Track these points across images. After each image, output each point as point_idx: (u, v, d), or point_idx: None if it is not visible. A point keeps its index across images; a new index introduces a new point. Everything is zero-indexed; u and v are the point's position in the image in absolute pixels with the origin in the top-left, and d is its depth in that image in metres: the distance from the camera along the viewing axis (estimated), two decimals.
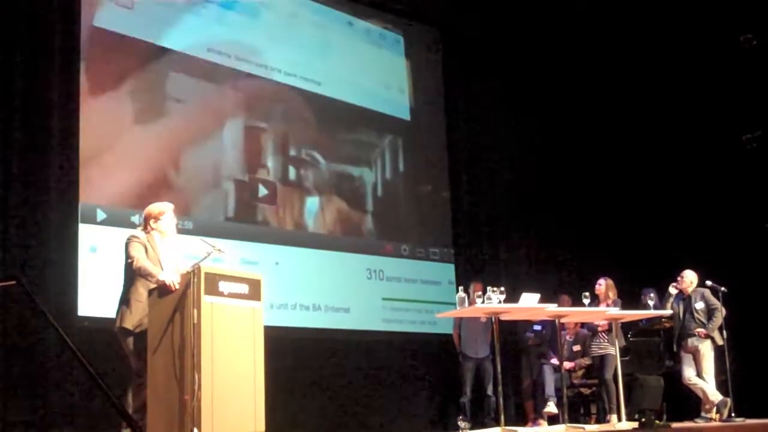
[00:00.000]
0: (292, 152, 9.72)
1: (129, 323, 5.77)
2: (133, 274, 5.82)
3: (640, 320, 9.25)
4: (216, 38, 9.20)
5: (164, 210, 6.09)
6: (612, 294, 8.78)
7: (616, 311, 8.17)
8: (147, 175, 8.42)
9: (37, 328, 7.24)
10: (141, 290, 5.78)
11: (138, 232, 6.02)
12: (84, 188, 7.95)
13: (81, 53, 8.07)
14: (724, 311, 8.61)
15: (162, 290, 5.56)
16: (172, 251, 6.03)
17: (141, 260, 5.77)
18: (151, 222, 6.02)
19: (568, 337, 9.24)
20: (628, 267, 10.58)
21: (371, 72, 10.68)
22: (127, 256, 5.85)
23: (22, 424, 7.24)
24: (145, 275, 5.74)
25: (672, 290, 8.82)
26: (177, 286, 5.48)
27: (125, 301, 5.84)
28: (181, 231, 7.86)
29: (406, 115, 10.95)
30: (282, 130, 9.68)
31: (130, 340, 5.77)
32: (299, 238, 9.54)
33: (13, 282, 4.79)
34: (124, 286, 5.89)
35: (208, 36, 9.15)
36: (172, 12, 8.91)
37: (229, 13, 9.39)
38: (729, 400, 8.40)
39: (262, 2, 9.74)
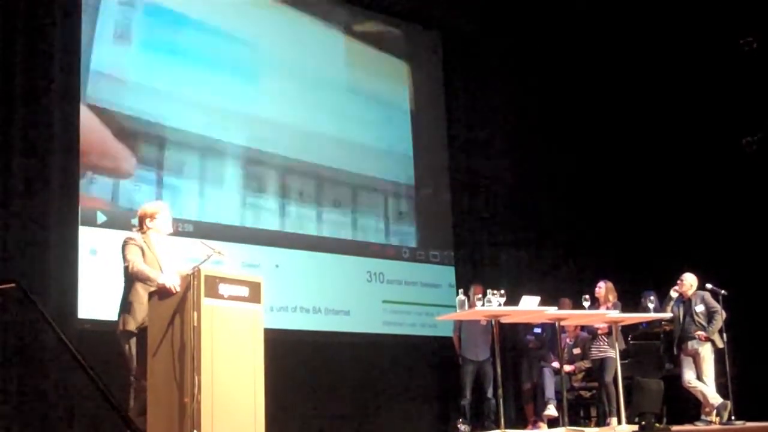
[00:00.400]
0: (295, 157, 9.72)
1: (131, 326, 5.73)
2: (131, 277, 5.80)
3: (640, 323, 9.25)
4: None
5: (158, 209, 6.03)
6: (612, 297, 8.78)
7: (616, 314, 8.17)
8: (147, 178, 8.44)
9: (36, 330, 7.24)
10: (141, 292, 5.73)
11: (134, 233, 5.95)
12: (84, 191, 7.95)
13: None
14: (724, 314, 8.61)
15: (162, 293, 5.53)
16: (170, 251, 5.98)
17: (137, 264, 5.71)
18: (147, 221, 5.95)
19: (568, 340, 9.24)
20: (628, 270, 10.59)
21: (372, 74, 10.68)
22: (124, 259, 5.79)
23: (21, 428, 7.24)
24: (143, 280, 5.68)
25: (673, 294, 8.81)
26: (178, 289, 5.45)
27: (126, 304, 5.79)
28: (182, 233, 7.89)
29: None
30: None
31: (133, 341, 5.73)
32: (299, 240, 9.54)
33: (13, 284, 4.78)
34: (124, 289, 5.84)
35: None
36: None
37: None
38: (729, 403, 8.39)
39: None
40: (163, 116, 8.73)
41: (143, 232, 5.94)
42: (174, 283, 5.45)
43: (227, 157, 9.18)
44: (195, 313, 5.27)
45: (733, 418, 8.36)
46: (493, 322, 7.65)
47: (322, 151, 9.99)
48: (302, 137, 9.83)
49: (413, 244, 10.62)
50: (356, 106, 10.44)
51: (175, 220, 6.18)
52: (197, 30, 9.12)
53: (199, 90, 9.05)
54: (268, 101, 9.64)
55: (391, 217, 10.60)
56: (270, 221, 9.42)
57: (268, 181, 9.51)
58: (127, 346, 5.77)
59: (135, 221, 7.45)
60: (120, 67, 8.48)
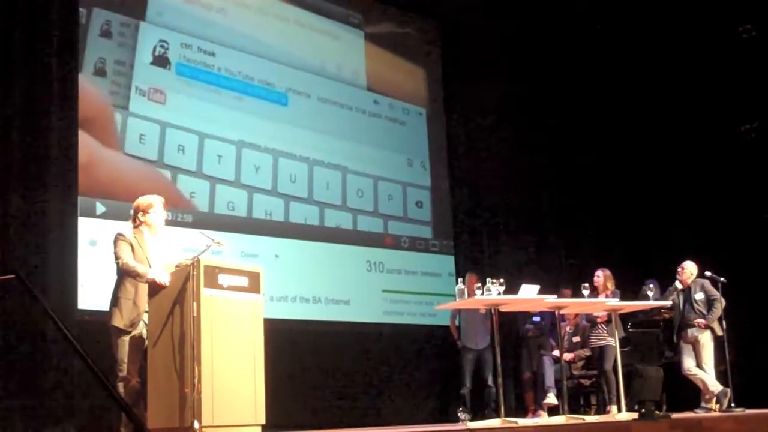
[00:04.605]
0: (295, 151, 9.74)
1: (120, 322, 5.78)
2: (121, 272, 5.84)
3: (639, 311, 9.26)
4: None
5: (153, 203, 6.04)
6: (610, 285, 8.78)
7: (615, 302, 8.17)
8: (147, 168, 8.43)
9: (36, 321, 7.24)
10: (129, 288, 5.80)
11: (125, 228, 5.98)
12: (83, 181, 7.95)
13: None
14: (723, 302, 8.62)
15: (152, 288, 5.58)
16: (162, 246, 6.01)
17: (127, 261, 5.76)
18: (140, 215, 5.99)
19: (567, 329, 9.24)
20: (628, 259, 10.59)
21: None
22: (115, 255, 5.84)
23: (22, 418, 7.25)
24: (133, 276, 5.76)
25: (678, 284, 8.81)
26: (167, 284, 5.50)
27: (115, 299, 5.85)
28: (181, 224, 7.89)
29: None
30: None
31: (123, 339, 5.77)
32: (299, 230, 9.54)
33: (12, 276, 4.77)
34: (115, 284, 5.90)
35: None
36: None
37: None
38: (729, 391, 8.42)
39: None
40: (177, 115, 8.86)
41: (136, 226, 5.97)
42: (163, 279, 5.50)
43: (246, 152, 9.31)
44: (194, 304, 5.30)
45: (732, 405, 8.39)
46: (492, 311, 7.64)
47: (343, 151, 10.14)
48: (322, 136, 9.98)
49: (413, 233, 10.62)
50: (376, 106, 10.58)
51: (175, 211, 6.17)
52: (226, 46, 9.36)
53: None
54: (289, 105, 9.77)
55: (408, 208, 10.66)
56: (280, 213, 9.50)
57: (290, 175, 9.63)
58: (114, 341, 5.80)
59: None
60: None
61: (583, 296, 7.96)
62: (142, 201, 6.08)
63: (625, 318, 9.12)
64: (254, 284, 5.72)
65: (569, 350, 9.11)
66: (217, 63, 9.20)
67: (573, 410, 8.52)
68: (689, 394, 8.95)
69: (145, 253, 5.87)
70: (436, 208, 10.97)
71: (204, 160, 8.90)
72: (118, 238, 5.87)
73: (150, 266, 5.76)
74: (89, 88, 8.20)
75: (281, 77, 9.72)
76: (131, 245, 5.84)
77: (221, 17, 9.37)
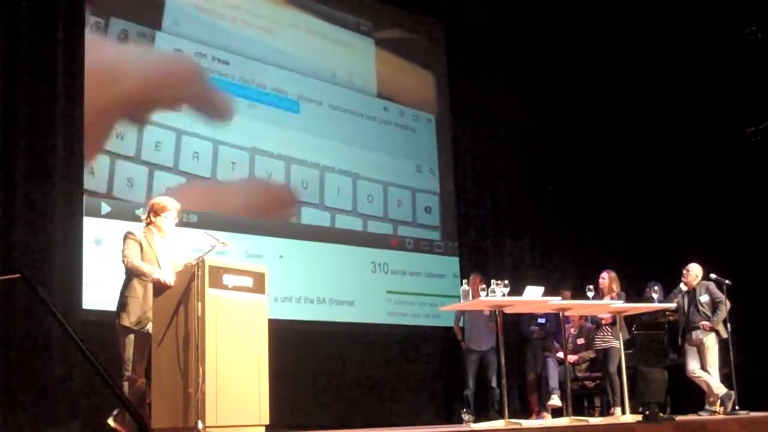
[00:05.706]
0: (307, 157, 9.78)
1: (126, 321, 5.78)
2: (128, 272, 5.84)
3: (641, 314, 9.25)
4: None
5: (168, 207, 6.02)
6: (615, 287, 8.78)
7: (619, 304, 8.16)
8: (152, 168, 8.45)
9: (41, 321, 7.26)
10: (137, 287, 5.80)
11: (135, 227, 5.99)
12: (88, 181, 7.97)
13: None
14: (728, 304, 8.60)
15: (157, 288, 5.58)
16: (170, 246, 6.00)
17: (134, 260, 5.75)
18: (152, 216, 5.99)
19: (572, 330, 9.24)
20: (632, 261, 10.58)
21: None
22: (122, 253, 5.84)
23: (26, 418, 7.26)
24: (138, 275, 5.75)
25: (683, 287, 8.79)
26: (171, 284, 5.50)
27: (123, 298, 5.84)
28: (186, 224, 7.89)
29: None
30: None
31: (130, 338, 5.77)
32: (304, 231, 9.55)
33: (18, 275, 4.79)
34: (123, 283, 5.89)
35: None
36: None
37: None
38: (733, 393, 8.40)
39: None
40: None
41: (146, 225, 5.97)
42: (168, 279, 5.51)
43: (259, 159, 9.39)
44: (199, 304, 5.29)
45: (737, 407, 8.36)
46: (497, 312, 7.63)
47: (354, 157, 10.20)
48: (333, 143, 10.05)
49: (418, 234, 10.62)
50: (386, 113, 10.66)
51: (180, 211, 6.17)
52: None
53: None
54: (301, 112, 9.83)
55: (417, 213, 10.70)
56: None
57: (301, 181, 9.69)
58: (122, 340, 5.80)
59: (140, 212, 7.51)
60: None
61: (587, 298, 7.95)
62: (158, 202, 6.08)
63: (630, 320, 9.12)
64: (259, 284, 5.71)
65: (573, 352, 9.10)
66: (231, 71, 9.28)
67: (577, 412, 8.52)
68: (693, 396, 8.93)
69: (155, 253, 5.86)
70: (444, 213, 10.97)
71: (218, 166, 8.97)
72: (128, 236, 5.87)
73: (159, 266, 5.76)
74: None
75: (293, 85, 9.79)
76: (140, 244, 5.84)
77: (235, 26, 9.47)
